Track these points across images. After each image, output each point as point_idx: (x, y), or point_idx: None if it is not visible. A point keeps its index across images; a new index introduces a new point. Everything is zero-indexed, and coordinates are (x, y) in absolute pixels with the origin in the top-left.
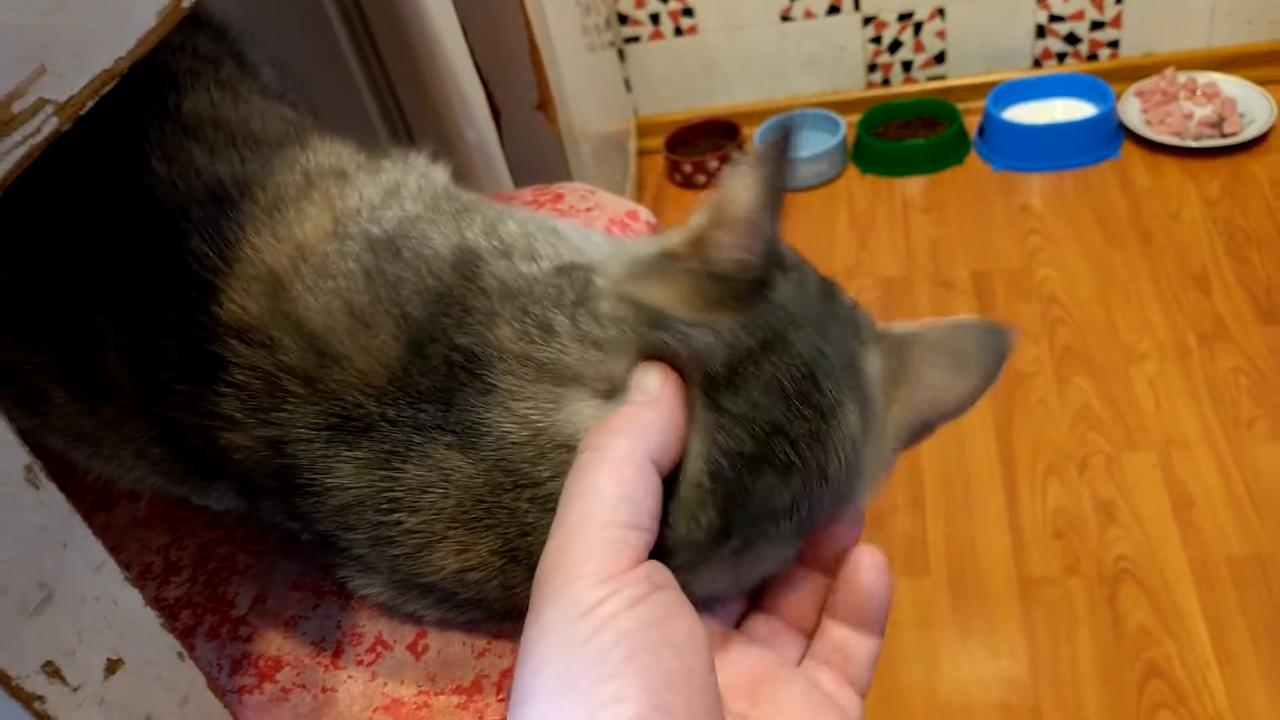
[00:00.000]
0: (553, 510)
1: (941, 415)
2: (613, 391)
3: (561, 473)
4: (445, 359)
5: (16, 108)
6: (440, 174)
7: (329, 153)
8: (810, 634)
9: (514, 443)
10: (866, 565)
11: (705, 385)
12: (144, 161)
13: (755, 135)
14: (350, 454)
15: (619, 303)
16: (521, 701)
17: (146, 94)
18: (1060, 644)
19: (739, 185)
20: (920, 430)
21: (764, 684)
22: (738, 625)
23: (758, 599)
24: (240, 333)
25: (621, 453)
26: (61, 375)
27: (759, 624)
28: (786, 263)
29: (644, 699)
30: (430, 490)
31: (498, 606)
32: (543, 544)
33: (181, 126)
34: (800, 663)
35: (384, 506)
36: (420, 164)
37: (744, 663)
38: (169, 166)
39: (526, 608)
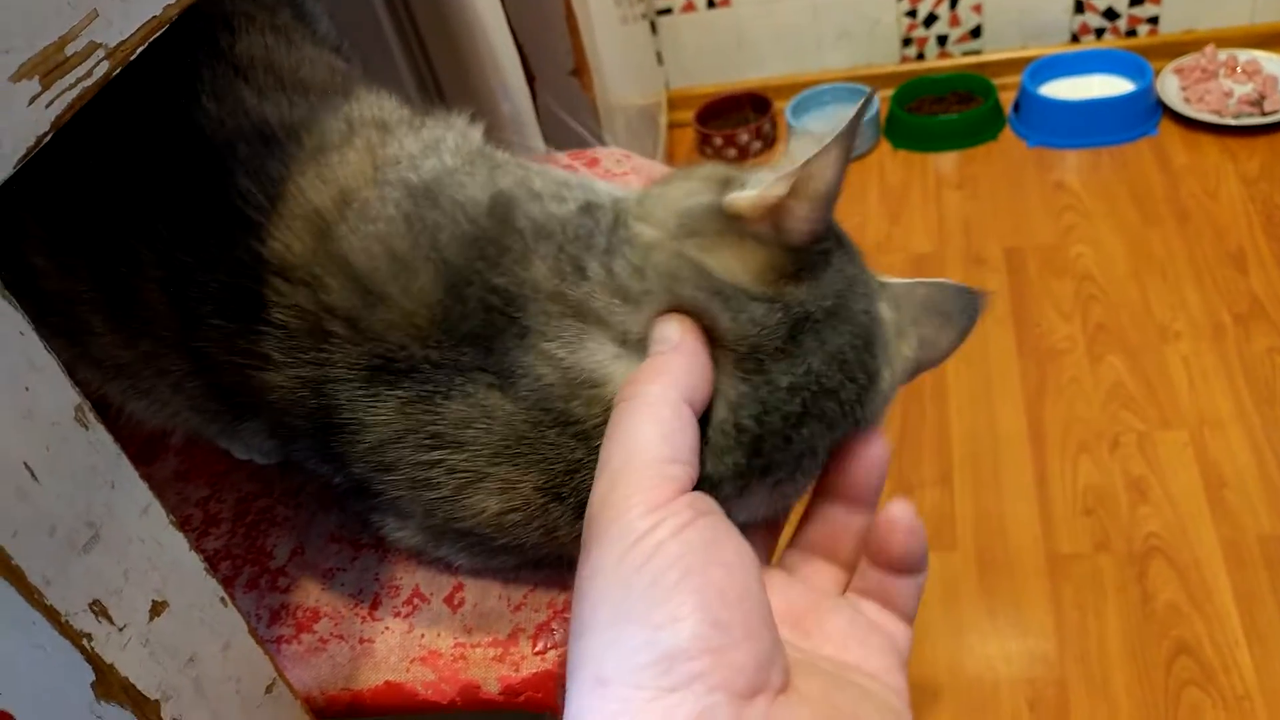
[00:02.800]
0: (597, 445)
1: (928, 364)
2: (628, 339)
3: (593, 408)
4: (482, 301)
5: (70, 50)
6: (477, 134)
7: (372, 104)
8: (848, 566)
9: (549, 383)
10: (901, 529)
11: (750, 354)
12: (194, 98)
13: (787, 109)
14: (391, 393)
15: (676, 260)
16: (581, 634)
17: (201, 33)
18: (1089, 620)
19: (824, 161)
20: (911, 374)
21: (809, 614)
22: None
23: (794, 537)
24: (283, 271)
25: (655, 397)
26: (103, 304)
27: (796, 559)
28: (836, 230)
29: (701, 616)
30: (474, 425)
31: (533, 552)
32: (589, 481)
33: (233, 67)
34: (843, 592)
35: (426, 443)
36: (460, 124)
37: (787, 595)
38: (218, 105)
39: (565, 552)
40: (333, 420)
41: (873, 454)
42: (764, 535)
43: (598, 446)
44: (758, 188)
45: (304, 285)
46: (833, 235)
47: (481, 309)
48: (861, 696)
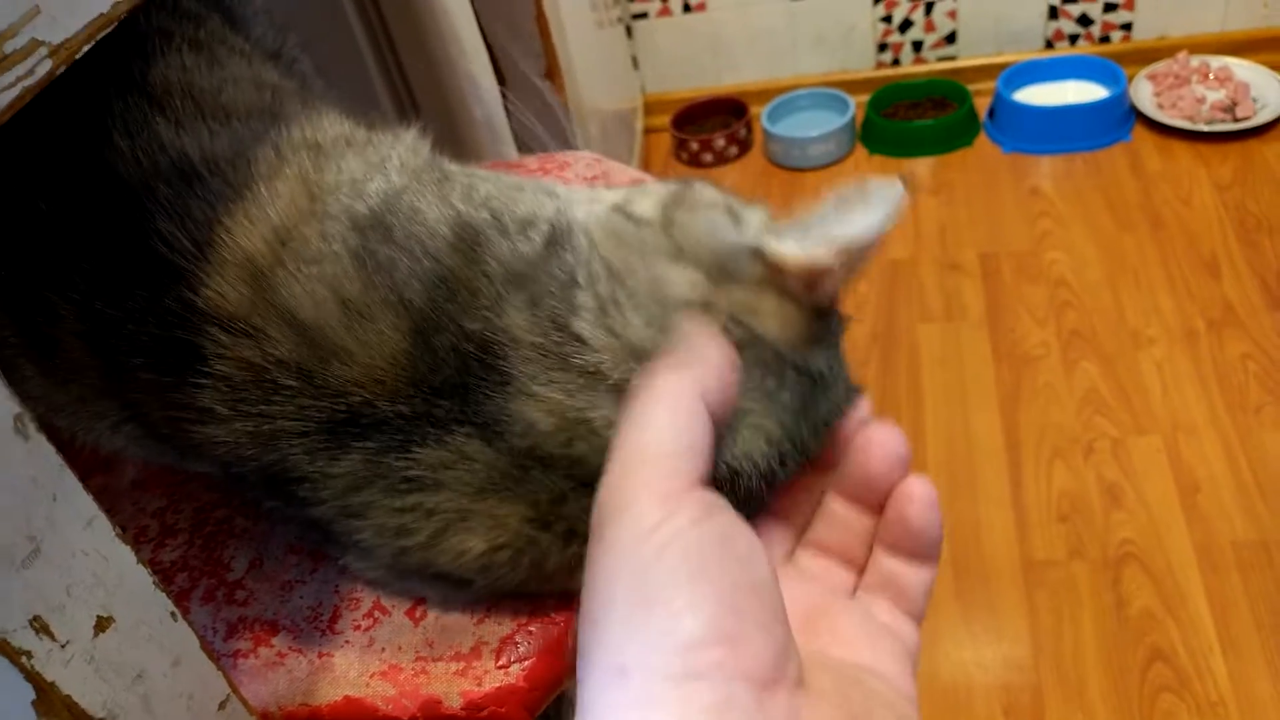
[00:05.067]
0: (585, 479)
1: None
2: None
3: (592, 445)
4: (455, 349)
5: (9, 48)
6: (426, 147)
7: (305, 124)
8: (859, 567)
9: (543, 431)
10: (918, 500)
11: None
12: (105, 136)
13: (763, 114)
14: (359, 444)
15: (722, 317)
16: (595, 622)
17: (111, 60)
18: (1063, 627)
19: (872, 238)
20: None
21: (819, 616)
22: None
23: (806, 535)
24: (220, 321)
25: (673, 386)
26: (28, 350)
27: (807, 559)
28: None
29: (718, 606)
30: (454, 467)
31: (518, 585)
32: (577, 507)
33: (147, 97)
34: (853, 594)
35: (399, 488)
36: (409, 137)
37: (796, 595)
38: (132, 141)
39: (548, 588)
40: (289, 475)
41: (891, 452)
42: (782, 540)
43: (585, 474)
44: (769, 231)
45: (247, 336)
46: None
47: (455, 356)
48: (872, 696)
